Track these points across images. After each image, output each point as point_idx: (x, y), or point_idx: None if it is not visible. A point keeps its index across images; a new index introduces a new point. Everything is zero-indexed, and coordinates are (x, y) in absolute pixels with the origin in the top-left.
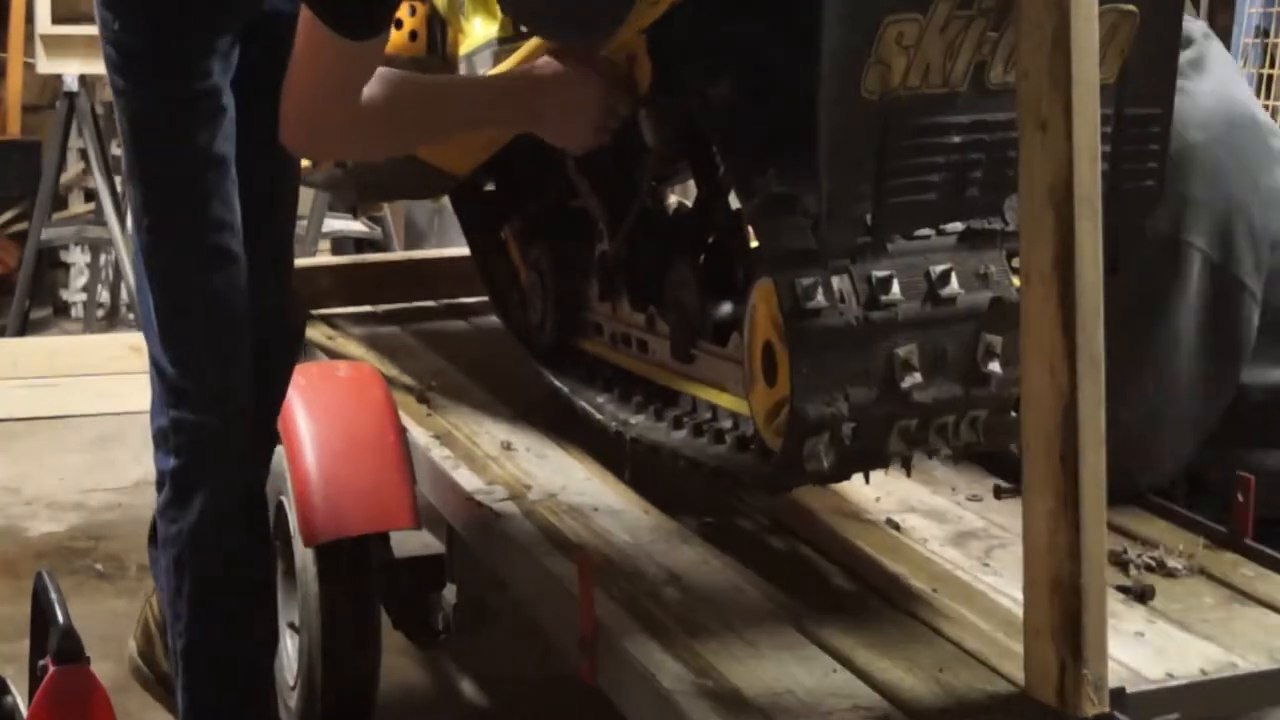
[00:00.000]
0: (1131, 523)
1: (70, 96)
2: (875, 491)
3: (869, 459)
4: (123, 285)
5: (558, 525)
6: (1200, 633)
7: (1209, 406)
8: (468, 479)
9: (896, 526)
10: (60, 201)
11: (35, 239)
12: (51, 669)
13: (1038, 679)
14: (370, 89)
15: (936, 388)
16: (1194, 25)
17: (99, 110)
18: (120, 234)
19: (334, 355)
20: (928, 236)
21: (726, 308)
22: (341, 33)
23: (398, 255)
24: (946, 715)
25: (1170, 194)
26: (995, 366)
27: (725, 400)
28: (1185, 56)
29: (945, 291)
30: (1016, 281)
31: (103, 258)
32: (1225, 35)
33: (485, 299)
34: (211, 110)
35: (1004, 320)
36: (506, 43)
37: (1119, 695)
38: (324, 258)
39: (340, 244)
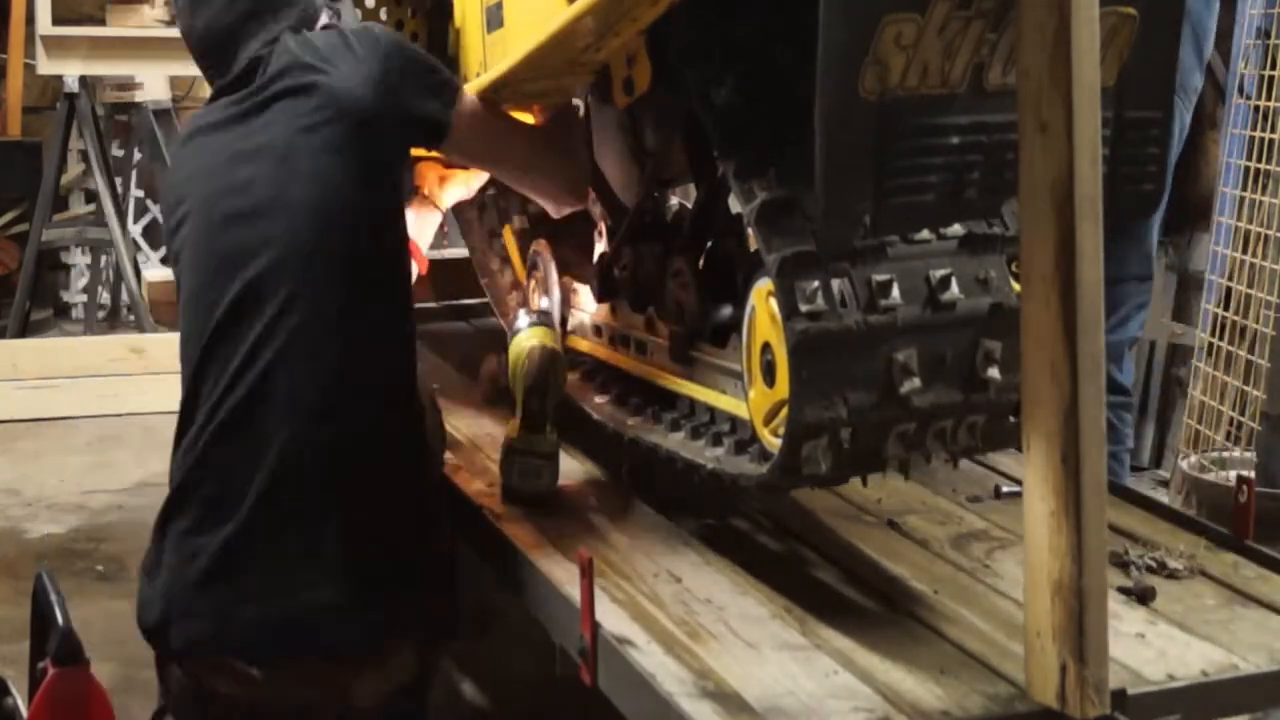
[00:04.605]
0: (1133, 524)
1: (71, 98)
2: (876, 493)
3: (866, 462)
4: (123, 287)
5: (558, 526)
6: (1201, 634)
7: None
8: (468, 481)
9: (898, 528)
10: (61, 203)
11: (36, 240)
12: (51, 670)
13: (1039, 681)
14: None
15: (935, 392)
16: None
17: (99, 111)
18: (120, 235)
19: None
20: (928, 240)
21: (726, 310)
22: None
23: None
24: (947, 717)
25: None
26: (994, 372)
27: (723, 402)
28: None
29: (945, 296)
30: (1016, 287)
31: (103, 259)
32: (1226, 36)
33: (485, 299)
34: None
35: (1003, 326)
36: None
37: (1120, 697)
38: None
39: None
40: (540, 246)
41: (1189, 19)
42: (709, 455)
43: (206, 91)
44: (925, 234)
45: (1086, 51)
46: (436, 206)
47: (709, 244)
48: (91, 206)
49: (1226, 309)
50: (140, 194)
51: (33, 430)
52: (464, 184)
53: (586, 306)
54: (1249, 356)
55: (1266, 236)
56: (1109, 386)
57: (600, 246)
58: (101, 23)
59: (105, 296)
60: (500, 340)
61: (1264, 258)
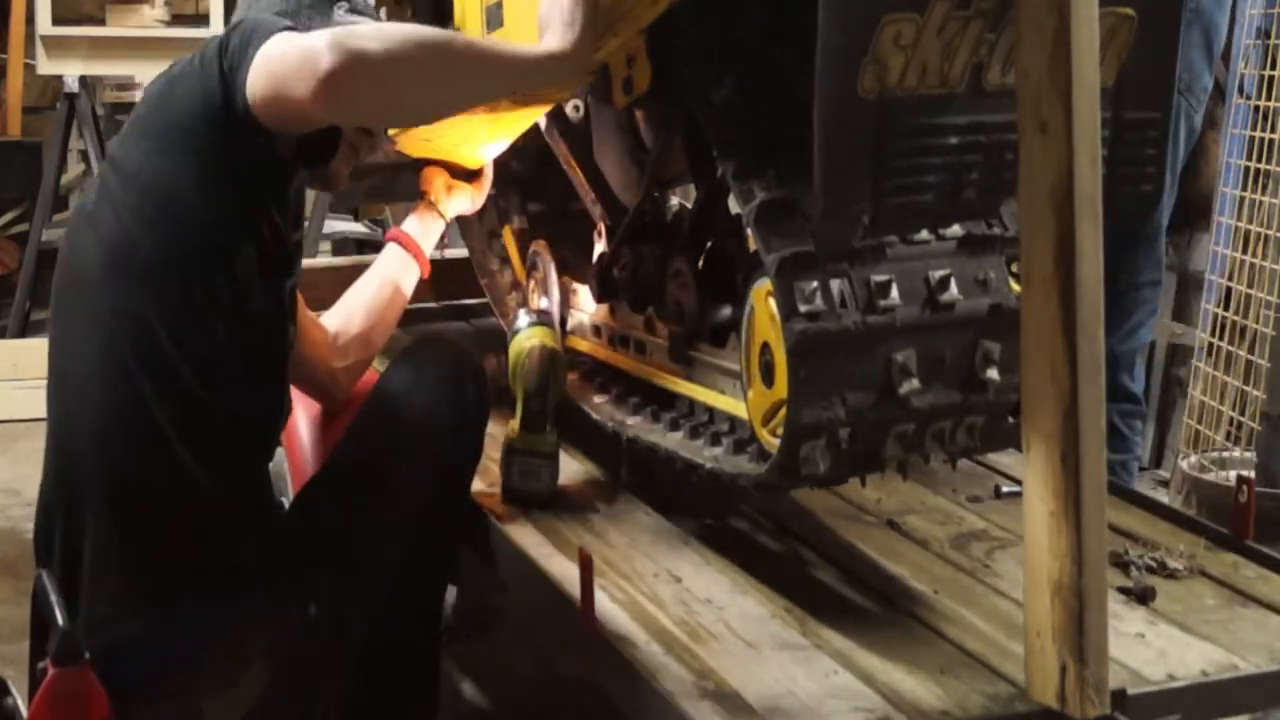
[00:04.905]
0: (1133, 524)
1: (70, 97)
2: (876, 493)
3: (865, 463)
4: None
5: (558, 526)
6: (1201, 634)
7: None
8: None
9: (898, 528)
10: (61, 202)
11: (36, 240)
12: (51, 670)
13: (1039, 681)
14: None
15: (934, 393)
16: None
17: (99, 111)
18: None
19: None
20: (927, 241)
21: (725, 310)
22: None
23: None
24: (947, 717)
25: None
26: (993, 373)
27: (722, 402)
28: None
29: (944, 297)
30: (1015, 288)
31: None
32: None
33: (485, 299)
34: None
35: (1002, 327)
36: None
37: (1120, 697)
38: (325, 259)
39: (341, 245)
40: (540, 247)
41: (1200, 19)
42: (708, 455)
43: None
44: (924, 234)
45: (1086, 51)
46: (441, 215)
47: (708, 244)
48: None
49: (1226, 309)
50: None
51: (33, 430)
52: (469, 196)
53: (586, 306)
54: (1249, 356)
55: (1266, 236)
56: (1121, 395)
57: (600, 247)
58: (101, 23)
59: None
60: (500, 340)
61: (1264, 258)
